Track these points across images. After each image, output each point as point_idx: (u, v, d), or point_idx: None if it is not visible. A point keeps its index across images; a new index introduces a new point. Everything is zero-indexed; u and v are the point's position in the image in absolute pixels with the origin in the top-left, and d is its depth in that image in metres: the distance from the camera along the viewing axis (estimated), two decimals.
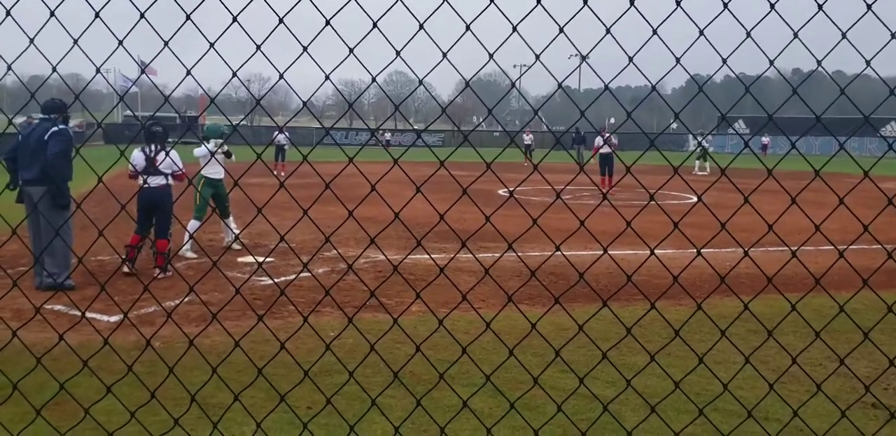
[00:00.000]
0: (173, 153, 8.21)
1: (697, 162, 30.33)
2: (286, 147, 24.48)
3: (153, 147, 8.28)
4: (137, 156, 8.26)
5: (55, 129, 7.35)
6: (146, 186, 8.10)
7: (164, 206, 8.15)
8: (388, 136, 56.55)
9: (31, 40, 1.82)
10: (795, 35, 1.62)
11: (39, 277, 7.54)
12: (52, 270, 7.35)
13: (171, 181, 8.18)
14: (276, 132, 25.68)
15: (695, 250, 1.75)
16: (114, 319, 6.36)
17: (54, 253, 7.46)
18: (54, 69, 1.84)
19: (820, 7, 1.63)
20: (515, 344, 2.30)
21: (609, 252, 1.88)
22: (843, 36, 1.71)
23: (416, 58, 2.16)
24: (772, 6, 1.62)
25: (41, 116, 7.93)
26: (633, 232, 2.01)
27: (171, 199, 8.12)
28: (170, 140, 9.49)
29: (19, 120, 24.06)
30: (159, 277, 8.08)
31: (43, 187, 7.26)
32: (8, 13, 1.83)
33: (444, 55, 1.73)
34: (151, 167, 8.11)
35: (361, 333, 2.32)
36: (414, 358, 4.83)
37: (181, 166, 8.18)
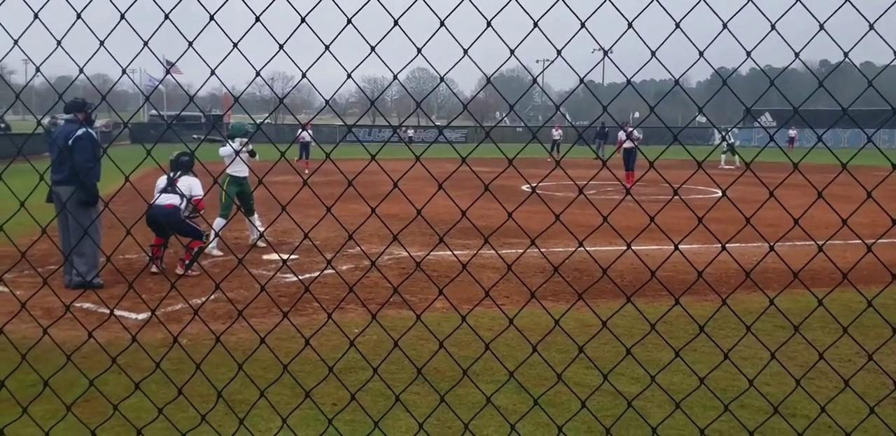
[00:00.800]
0: (195, 180, 8.30)
1: (723, 156, 30.03)
2: (311, 144, 24.68)
3: (177, 173, 8.40)
4: (161, 180, 8.41)
5: (79, 132, 7.43)
6: (154, 203, 8.12)
7: (171, 224, 8.11)
8: (410, 132, 56.56)
9: (59, 42, 1.84)
10: (821, 26, 1.59)
11: (68, 275, 7.65)
12: (80, 269, 7.44)
13: (181, 205, 8.14)
14: (300, 130, 25.90)
15: (720, 245, 1.73)
16: (141, 316, 6.43)
17: (83, 252, 7.57)
18: (81, 70, 1.86)
19: None
20: (539, 340, 2.30)
21: (633, 248, 1.87)
22: (871, 26, 1.68)
23: (438, 54, 2.16)
24: None
25: (66, 116, 7.99)
26: (658, 228, 2.00)
27: (175, 219, 8.06)
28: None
29: (46, 120, 24.40)
30: (177, 272, 8.18)
31: (71, 187, 7.37)
32: (36, 16, 1.85)
33: (465, 52, 1.73)
34: (170, 186, 8.21)
35: (385, 329, 2.32)
36: (438, 355, 4.83)
37: (201, 193, 8.23)
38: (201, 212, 8.33)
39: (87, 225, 7.27)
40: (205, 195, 8.39)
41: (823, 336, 5.83)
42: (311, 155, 25.06)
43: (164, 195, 8.18)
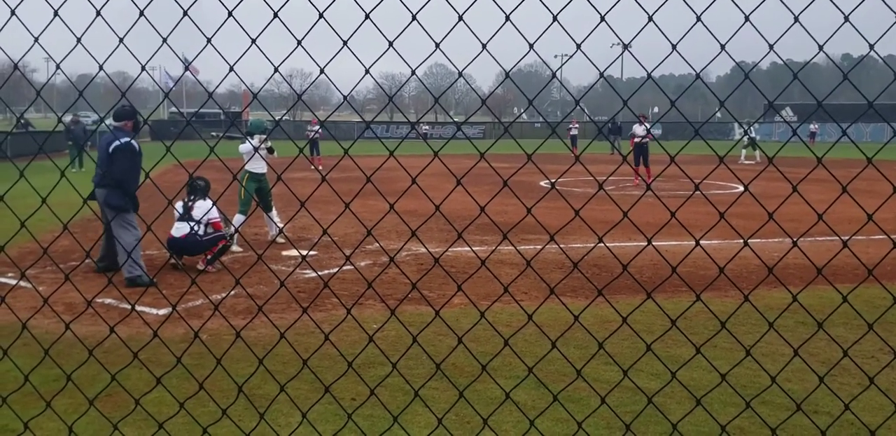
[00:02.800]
0: (208, 204, 8.39)
1: (744, 151, 29.76)
2: (318, 140, 24.83)
3: (192, 198, 8.50)
4: (178, 206, 8.56)
5: (117, 143, 7.66)
6: (172, 236, 8.24)
7: (194, 250, 8.26)
8: (425, 127, 56.30)
9: (79, 40, 1.85)
10: (846, 18, 1.57)
11: (101, 263, 7.99)
12: (126, 268, 7.58)
13: (197, 230, 8.22)
14: (310, 128, 26.04)
15: (741, 240, 1.72)
16: (162, 312, 6.49)
17: (124, 251, 7.78)
18: (101, 67, 1.88)
19: None
20: (558, 337, 2.29)
21: (653, 243, 1.86)
22: None
23: (456, 49, 2.16)
24: None
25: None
26: (679, 223, 1.99)
27: (195, 245, 8.20)
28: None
29: (67, 118, 24.71)
30: (198, 267, 8.27)
31: (103, 189, 7.67)
32: (56, 13, 1.87)
33: (484, 47, 1.72)
34: (186, 215, 8.32)
35: (404, 325, 2.33)
36: (456, 350, 4.83)
37: (217, 215, 8.32)
38: (222, 231, 8.45)
39: (122, 223, 7.56)
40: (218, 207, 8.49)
41: (846, 332, 5.77)
42: (321, 151, 25.15)
43: (178, 225, 8.27)
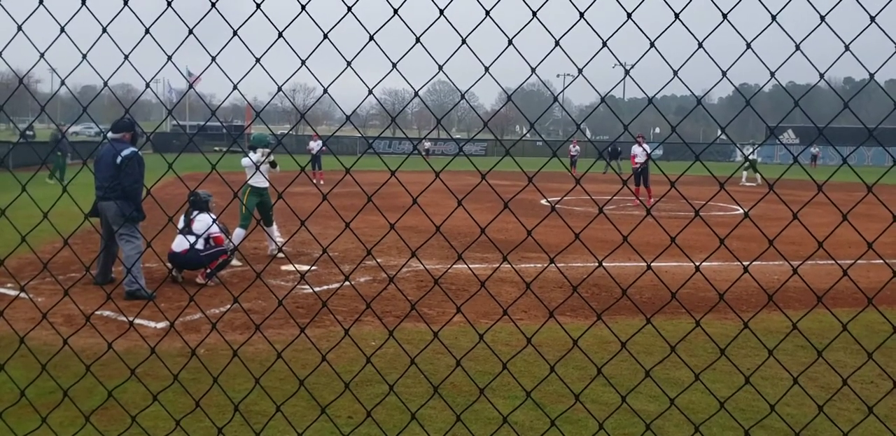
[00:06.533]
0: (208, 218, 8.45)
1: (745, 173, 29.80)
2: (321, 155, 24.91)
3: (194, 212, 8.56)
4: (181, 221, 8.63)
5: (127, 152, 7.75)
6: (173, 251, 8.27)
7: (195, 265, 8.31)
8: (427, 144, 56.24)
9: (84, 56, 1.87)
10: (847, 47, 1.58)
11: (101, 276, 8.00)
12: (127, 281, 7.61)
13: (199, 245, 8.25)
14: (311, 143, 26.13)
15: (742, 264, 1.72)
16: (160, 325, 6.47)
17: (126, 263, 7.80)
18: (105, 84, 1.89)
19: (872, 19, 1.59)
20: (556, 361, 2.28)
21: (653, 264, 1.86)
22: None
23: (459, 68, 2.17)
24: (822, 18, 1.59)
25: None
26: (678, 248, 1.99)
27: (196, 260, 8.24)
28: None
29: (76, 128, 24.77)
30: (197, 281, 8.28)
31: (111, 202, 7.70)
32: (62, 30, 1.88)
33: (487, 70, 1.73)
34: (187, 228, 8.38)
35: (401, 345, 2.32)
36: (455, 369, 4.80)
37: (216, 231, 8.37)
38: (223, 245, 8.49)
39: (127, 235, 7.59)
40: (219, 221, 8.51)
41: (846, 357, 5.75)
42: (323, 166, 25.22)
43: (179, 240, 8.30)
